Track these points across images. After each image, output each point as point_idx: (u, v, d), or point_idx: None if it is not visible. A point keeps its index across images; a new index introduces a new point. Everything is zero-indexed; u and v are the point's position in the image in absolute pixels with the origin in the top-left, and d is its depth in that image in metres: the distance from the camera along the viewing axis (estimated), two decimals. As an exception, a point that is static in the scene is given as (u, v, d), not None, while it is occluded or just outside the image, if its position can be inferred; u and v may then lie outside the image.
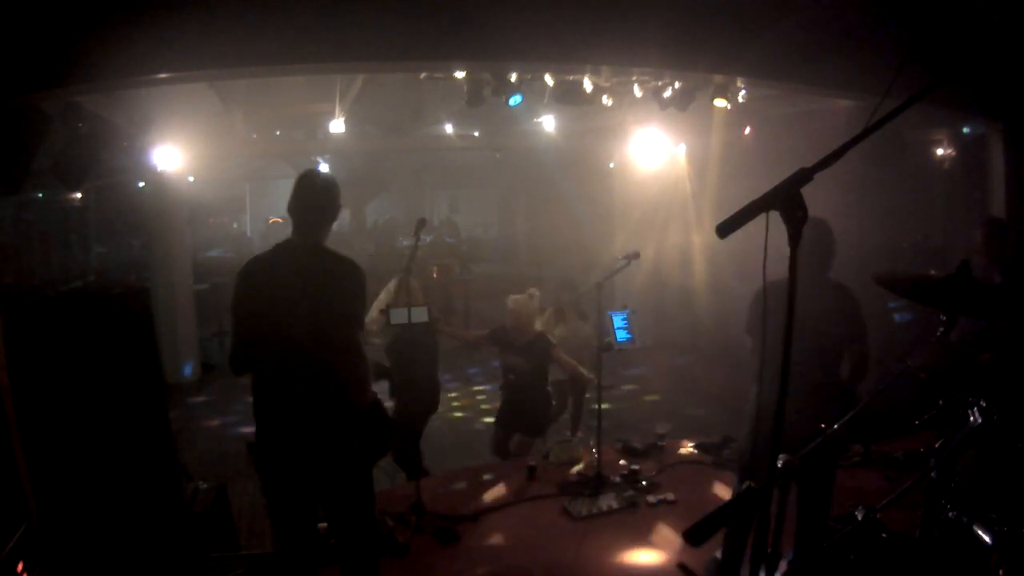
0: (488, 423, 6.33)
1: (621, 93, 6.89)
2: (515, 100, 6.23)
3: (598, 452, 4.99)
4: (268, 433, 2.85)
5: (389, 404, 5.48)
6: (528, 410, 5.44)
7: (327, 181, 3.00)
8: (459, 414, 8.08)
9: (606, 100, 6.78)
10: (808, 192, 1.41)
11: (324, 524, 3.99)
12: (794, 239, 1.41)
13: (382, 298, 5.34)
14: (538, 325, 5.66)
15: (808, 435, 2.05)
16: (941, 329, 2.34)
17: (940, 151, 9.80)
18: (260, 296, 2.82)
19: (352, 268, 2.91)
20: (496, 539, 4.30)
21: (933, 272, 2.40)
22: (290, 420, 2.80)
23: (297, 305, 2.74)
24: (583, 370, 5.43)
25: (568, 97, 6.54)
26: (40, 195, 11.19)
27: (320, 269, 2.85)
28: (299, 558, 2.91)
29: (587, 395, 6.12)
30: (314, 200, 2.93)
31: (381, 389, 3.60)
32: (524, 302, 5.37)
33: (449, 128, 10.85)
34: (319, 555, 2.98)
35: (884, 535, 2.38)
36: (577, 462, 5.28)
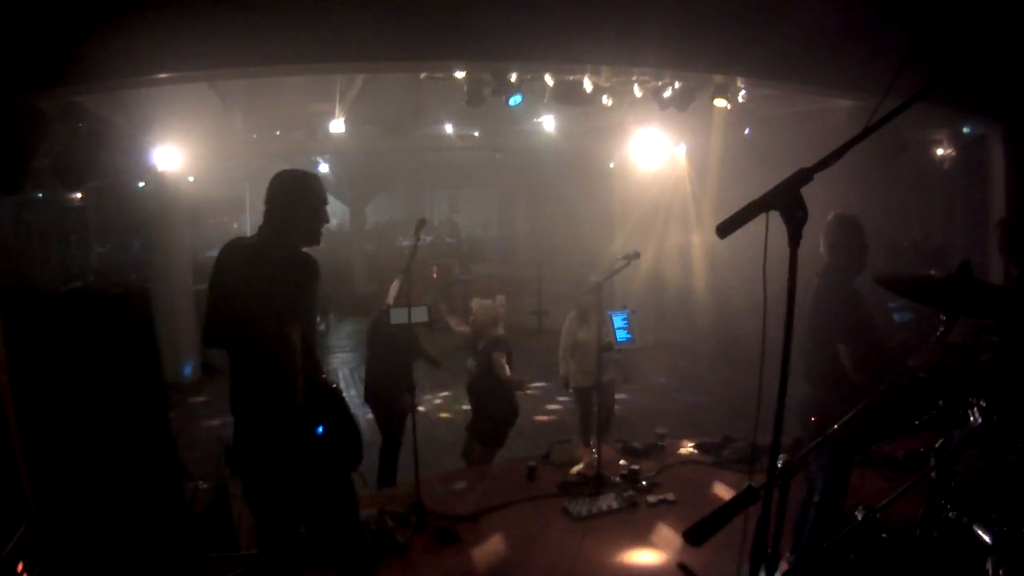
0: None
1: (621, 93, 6.89)
2: (515, 100, 6.23)
3: (598, 452, 4.99)
4: (240, 436, 2.79)
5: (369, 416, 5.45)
6: (484, 417, 5.34)
7: (292, 179, 2.86)
8: (445, 414, 8.07)
9: (606, 100, 6.78)
10: (808, 192, 1.41)
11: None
12: (794, 239, 1.41)
13: (394, 294, 5.26)
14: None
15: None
16: (941, 329, 2.34)
17: (940, 151, 9.81)
18: (222, 284, 2.80)
19: (293, 261, 2.74)
20: (496, 539, 4.30)
21: (933, 272, 2.40)
22: (253, 421, 2.74)
23: (243, 298, 2.69)
24: (511, 380, 5.15)
25: (568, 97, 6.53)
26: (40, 195, 11.20)
27: (265, 263, 2.73)
28: (281, 560, 2.86)
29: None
30: (277, 198, 2.82)
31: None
32: (485, 307, 5.31)
33: (449, 128, 10.86)
34: (300, 557, 2.94)
35: (884, 535, 2.39)
36: (577, 462, 5.28)
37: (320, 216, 2.88)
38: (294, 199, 2.83)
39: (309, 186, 2.87)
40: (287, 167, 3.03)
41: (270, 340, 2.62)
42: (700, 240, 10.24)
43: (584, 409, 5.89)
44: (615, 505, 4.63)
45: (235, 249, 2.87)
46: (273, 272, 2.69)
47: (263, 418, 2.69)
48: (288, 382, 2.61)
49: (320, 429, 2.75)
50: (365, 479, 4.54)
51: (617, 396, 5.90)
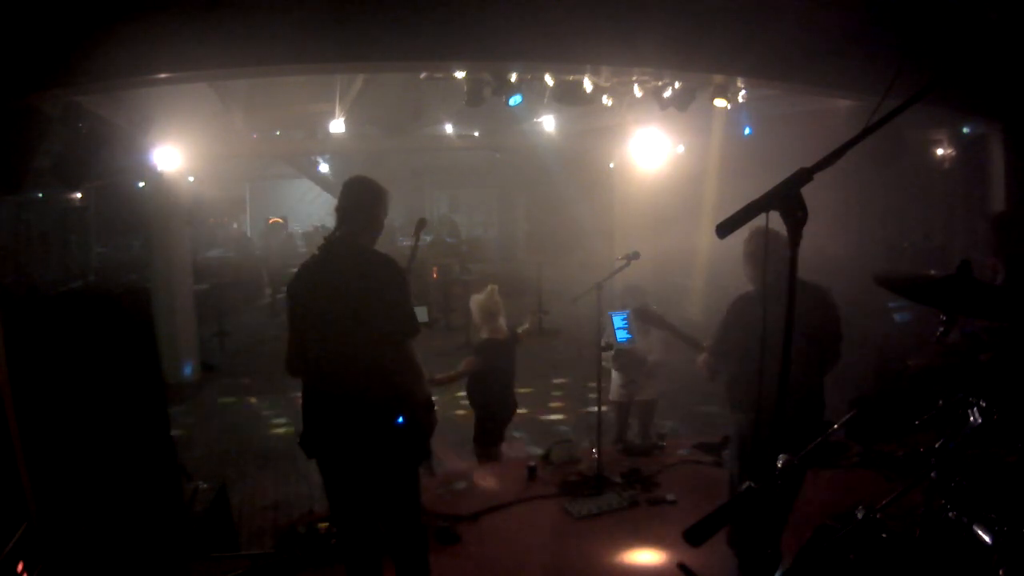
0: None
1: (621, 93, 6.90)
2: (515, 100, 6.23)
3: (598, 452, 4.99)
4: (313, 433, 2.95)
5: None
6: (480, 415, 5.30)
7: (371, 184, 3.11)
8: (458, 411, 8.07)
9: (606, 100, 6.79)
10: (808, 192, 1.41)
11: (324, 524, 4.01)
12: (794, 239, 1.41)
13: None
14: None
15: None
16: (941, 329, 2.34)
17: (940, 151, 9.81)
18: (307, 301, 2.93)
19: (389, 267, 2.93)
20: (496, 539, 4.29)
21: (933, 272, 2.40)
22: (333, 424, 2.88)
23: (339, 308, 2.83)
24: (430, 386, 4.99)
25: (568, 97, 6.54)
26: (40, 195, 11.20)
27: (360, 272, 2.90)
28: (357, 548, 3.06)
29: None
30: (361, 198, 3.04)
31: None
32: (479, 301, 5.24)
33: (449, 128, 10.86)
34: (377, 547, 3.07)
35: (884, 535, 2.38)
36: (577, 462, 5.27)
37: (383, 223, 3.15)
38: (375, 201, 3.08)
39: (383, 193, 3.13)
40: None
41: (386, 349, 2.80)
42: (700, 240, 10.24)
43: (619, 426, 5.82)
44: (615, 505, 4.63)
45: (322, 259, 2.97)
46: (379, 281, 2.87)
47: (352, 410, 2.83)
48: (408, 388, 2.88)
49: (400, 419, 2.88)
50: (433, 469, 4.59)
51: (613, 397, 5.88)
